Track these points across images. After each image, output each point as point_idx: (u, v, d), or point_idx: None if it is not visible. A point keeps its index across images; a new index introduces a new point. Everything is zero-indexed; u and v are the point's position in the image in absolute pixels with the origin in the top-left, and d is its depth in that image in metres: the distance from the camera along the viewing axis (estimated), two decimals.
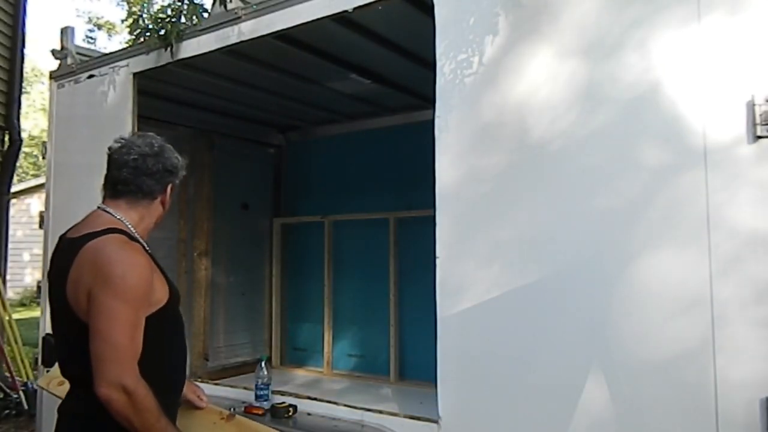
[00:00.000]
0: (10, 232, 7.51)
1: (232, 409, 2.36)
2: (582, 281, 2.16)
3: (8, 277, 7.21)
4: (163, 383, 1.73)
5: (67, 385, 1.86)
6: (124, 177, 1.84)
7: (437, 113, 2.47)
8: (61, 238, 1.87)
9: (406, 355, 4.31)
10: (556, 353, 2.19)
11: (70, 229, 1.88)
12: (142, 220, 1.87)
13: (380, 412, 2.70)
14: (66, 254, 1.77)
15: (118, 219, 1.82)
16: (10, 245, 7.21)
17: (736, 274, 1.91)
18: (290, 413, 2.86)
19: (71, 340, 1.74)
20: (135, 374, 1.62)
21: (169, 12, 3.30)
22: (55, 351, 1.88)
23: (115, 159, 1.87)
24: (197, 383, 2.44)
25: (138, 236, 1.84)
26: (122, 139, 1.90)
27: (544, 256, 2.24)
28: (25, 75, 7.68)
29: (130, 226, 1.83)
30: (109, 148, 1.90)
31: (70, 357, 1.79)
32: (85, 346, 1.64)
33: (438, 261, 2.41)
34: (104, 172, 1.93)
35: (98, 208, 1.88)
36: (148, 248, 1.87)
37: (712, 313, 1.91)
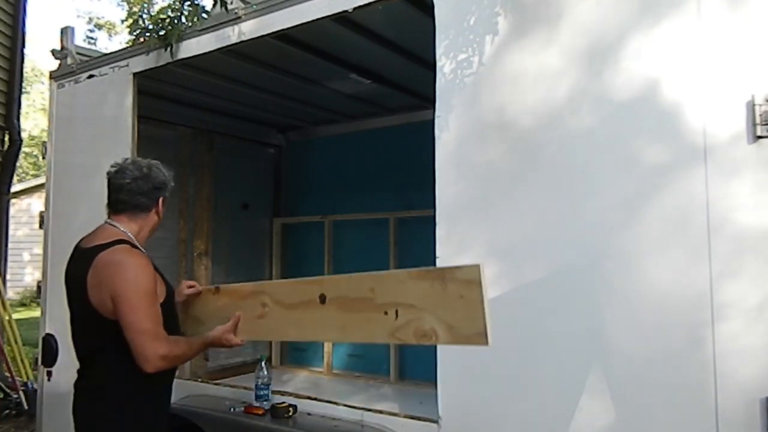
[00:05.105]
0: (10, 232, 7.51)
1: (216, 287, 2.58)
2: (582, 281, 2.16)
3: (8, 277, 7.21)
4: None
5: None
6: (123, 198, 2.25)
7: (437, 113, 2.46)
8: (76, 247, 2.26)
9: (406, 355, 4.30)
10: (555, 353, 2.19)
11: (82, 239, 2.27)
12: (141, 230, 2.29)
13: (380, 412, 2.70)
14: (80, 262, 2.17)
15: (122, 231, 2.22)
16: (10, 245, 7.22)
17: (736, 274, 1.91)
18: (290, 413, 2.85)
19: (91, 332, 2.17)
20: (165, 342, 2.08)
21: (169, 13, 3.29)
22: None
23: (113, 183, 2.27)
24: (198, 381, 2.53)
25: (138, 244, 2.24)
26: (117, 164, 2.29)
27: (544, 255, 2.24)
28: (25, 75, 7.69)
29: (131, 236, 2.23)
30: (108, 173, 2.29)
31: (88, 347, 2.21)
32: (106, 338, 2.10)
33: (438, 261, 2.41)
34: (104, 180, 2.30)
35: (105, 222, 2.28)
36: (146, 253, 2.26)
37: (713, 312, 1.91)
